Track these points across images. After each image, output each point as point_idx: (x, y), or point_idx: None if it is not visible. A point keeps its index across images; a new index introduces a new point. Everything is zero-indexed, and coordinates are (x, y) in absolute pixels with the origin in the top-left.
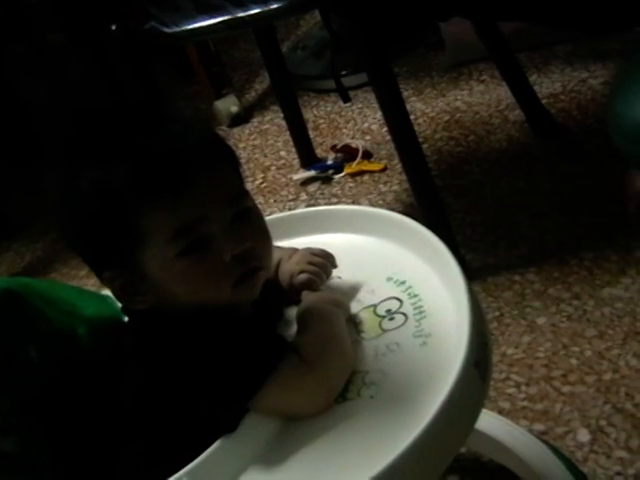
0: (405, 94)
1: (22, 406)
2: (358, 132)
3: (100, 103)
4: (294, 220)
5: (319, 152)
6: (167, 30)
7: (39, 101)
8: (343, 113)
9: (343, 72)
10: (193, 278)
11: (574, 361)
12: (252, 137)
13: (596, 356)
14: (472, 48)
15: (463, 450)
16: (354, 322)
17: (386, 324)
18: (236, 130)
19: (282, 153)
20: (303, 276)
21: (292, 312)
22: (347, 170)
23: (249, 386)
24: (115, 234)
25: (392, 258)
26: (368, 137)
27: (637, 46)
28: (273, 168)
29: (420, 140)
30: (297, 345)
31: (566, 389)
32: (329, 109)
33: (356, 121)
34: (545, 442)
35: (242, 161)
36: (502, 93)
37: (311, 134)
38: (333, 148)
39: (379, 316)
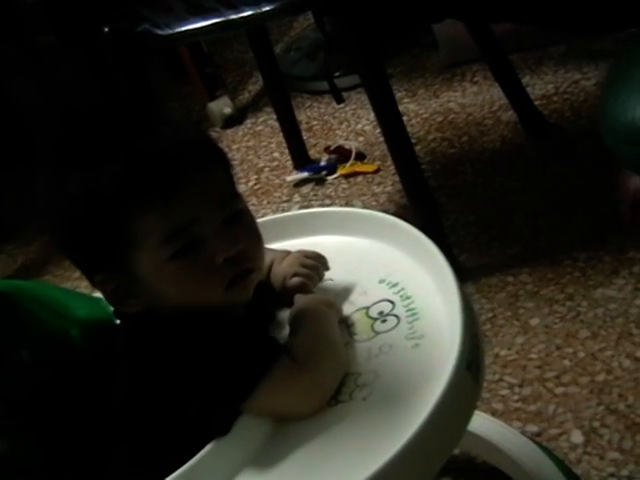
0: (398, 95)
1: (13, 408)
2: (351, 133)
3: (91, 105)
4: (287, 222)
5: (312, 153)
6: (159, 32)
7: (30, 102)
8: (336, 114)
9: (336, 73)
10: (185, 280)
11: (567, 362)
12: (245, 138)
13: (589, 357)
14: (465, 49)
15: (456, 452)
16: (346, 324)
17: (378, 326)
18: (229, 131)
19: (275, 154)
20: (296, 279)
21: (285, 314)
22: (340, 171)
23: (242, 388)
24: (106, 237)
25: (385, 260)
26: (361, 138)
27: (629, 46)
28: (266, 169)
29: (413, 141)
30: (289, 347)
31: (559, 390)
32: (322, 110)
33: (349, 122)
34: (538, 444)
35: (235, 162)
36: (495, 94)
37: (304, 135)
38: (326, 149)
39: (371, 318)
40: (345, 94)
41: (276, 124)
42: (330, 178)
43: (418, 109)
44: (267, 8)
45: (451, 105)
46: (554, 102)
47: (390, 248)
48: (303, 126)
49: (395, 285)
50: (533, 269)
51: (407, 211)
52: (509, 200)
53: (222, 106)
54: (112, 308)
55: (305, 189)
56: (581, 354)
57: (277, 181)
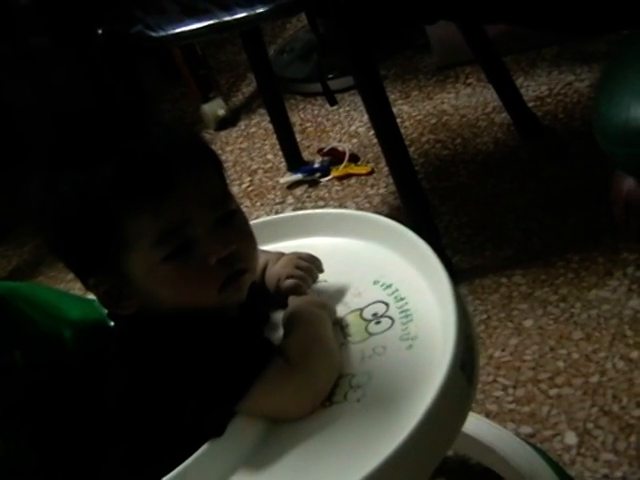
0: (392, 97)
1: (6, 409)
2: (345, 135)
3: (84, 107)
4: (281, 223)
5: (306, 155)
6: (153, 34)
7: (24, 104)
8: (330, 116)
9: (330, 75)
10: (178, 282)
11: (561, 364)
12: (239, 140)
13: (583, 358)
14: (459, 51)
15: (450, 453)
16: (340, 326)
17: (372, 327)
18: (223, 133)
19: (269, 156)
20: (290, 281)
21: (279, 315)
22: (334, 173)
23: (236, 389)
24: (99, 239)
25: (379, 261)
26: (355, 140)
27: (622, 48)
28: (260, 171)
29: (407, 143)
30: (283, 348)
31: (553, 392)
32: (316, 112)
33: (343, 124)
34: (532, 445)
35: (229, 164)
36: (488, 96)
37: (298, 137)
38: (320, 151)
39: (365, 320)
40: (338, 96)
41: (269, 126)
42: (323, 180)
43: (411, 111)
44: (260, 10)
45: (444, 107)
46: (547, 104)
47: (384, 250)
48: (296, 128)
49: (389, 286)
50: (527, 270)
51: (400, 213)
52: (503, 202)
53: (215, 108)
54: (106, 310)
55: (298, 191)
56: (575, 355)
57: (270, 183)
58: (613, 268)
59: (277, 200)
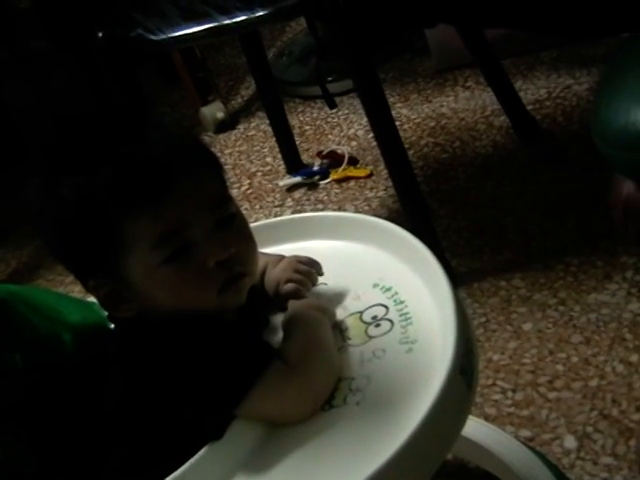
0: (391, 100)
1: (5, 412)
2: (344, 138)
3: (83, 110)
4: (280, 226)
5: (305, 158)
6: (152, 37)
7: (23, 107)
8: (329, 119)
9: (329, 78)
10: (178, 284)
11: (560, 367)
12: (238, 143)
13: (582, 362)
14: (458, 54)
15: (449, 457)
16: (340, 329)
17: (372, 331)
18: (222, 136)
19: (268, 159)
20: (290, 285)
21: (278, 319)
22: (333, 176)
23: (235, 392)
24: (98, 242)
25: (378, 264)
26: (354, 143)
27: (621, 52)
28: (259, 174)
29: (406, 146)
30: (282, 351)
31: (552, 395)
32: (315, 115)
33: (342, 127)
34: (531, 448)
35: (228, 167)
36: (487, 99)
37: (297, 140)
38: (319, 154)
39: (365, 323)
40: (337, 99)
41: (269, 129)
42: (322, 183)
43: (410, 114)
44: (260, 13)
45: (443, 110)
46: (546, 107)
47: (383, 253)
48: (295, 131)
49: (388, 289)
50: (525, 274)
51: (399, 216)
52: (501, 205)
53: (215, 111)
54: (106, 312)
55: (297, 194)
56: (574, 359)
57: (270, 186)
58: (612, 272)
59: (276, 203)
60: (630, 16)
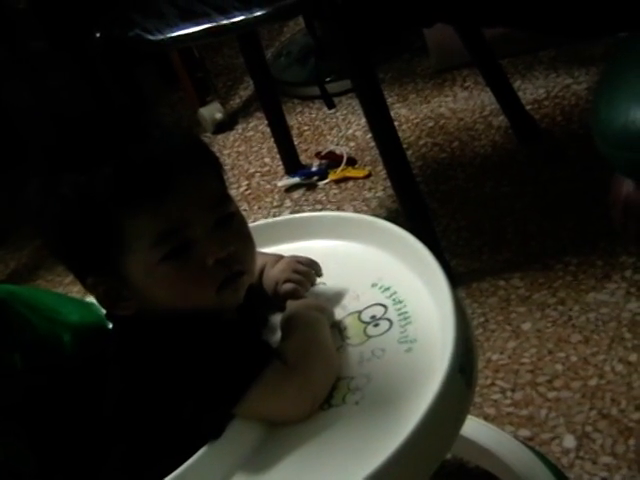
0: (389, 100)
1: (5, 413)
2: (342, 138)
3: (82, 110)
4: (278, 226)
5: (303, 159)
6: (151, 37)
7: (22, 107)
8: (327, 120)
9: (327, 78)
10: (176, 282)
11: (559, 367)
12: (236, 144)
13: (581, 361)
14: (456, 54)
15: (449, 456)
16: (339, 328)
17: (371, 330)
18: (220, 137)
19: (266, 160)
20: (289, 285)
21: (277, 318)
22: (331, 176)
23: (234, 392)
24: (98, 239)
25: (377, 264)
26: (352, 143)
27: (620, 51)
28: (257, 175)
29: (404, 146)
30: (281, 351)
31: (552, 395)
32: (313, 115)
33: (340, 127)
34: (531, 448)
35: (226, 168)
36: (486, 99)
37: (295, 141)
38: (317, 155)
39: (364, 322)
40: (336, 99)
41: (267, 129)
42: (321, 183)
43: (409, 114)
44: (258, 13)
45: (442, 110)
46: (545, 107)
47: (382, 252)
48: (294, 131)
49: (387, 289)
50: (524, 273)
51: (398, 216)
52: (500, 205)
53: (213, 111)
54: (104, 311)
55: (296, 194)
56: (573, 358)
57: (268, 186)
58: (611, 271)
59: (275, 203)
60: (628, 15)
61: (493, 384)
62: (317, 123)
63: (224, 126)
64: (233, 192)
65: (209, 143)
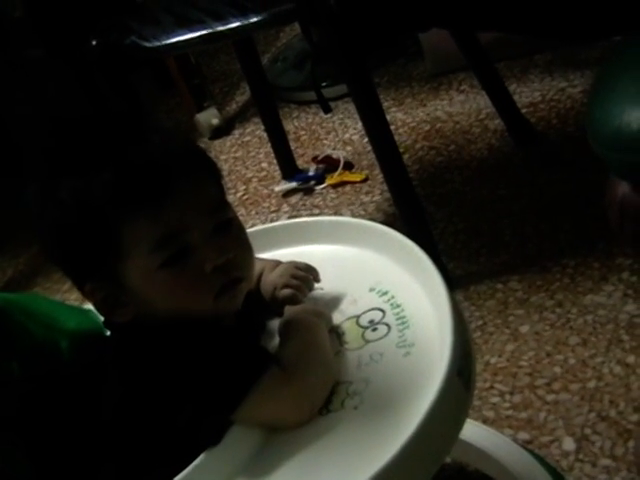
0: (385, 104)
1: (2, 420)
2: (339, 143)
3: (80, 115)
4: (276, 231)
5: (300, 163)
6: (147, 44)
7: (19, 115)
8: (324, 124)
9: (323, 83)
10: (175, 289)
11: (558, 369)
12: (233, 149)
13: (580, 364)
14: (452, 58)
15: (448, 460)
16: (337, 333)
17: (369, 335)
18: (217, 142)
19: (263, 165)
20: (287, 291)
21: (275, 324)
22: (329, 181)
23: (232, 398)
24: (96, 245)
25: (374, 268)
26: (349, 148)
27: (614, 54)
28: (255, 180)
29: (401, 150)
30: (279, 356)
31: (550, 397)
32: (310, 120)
33: (337, 132)
34: (530, 451)
35: (223, 173)
36: (482, 102)
37: (292, 145)
38: (314, 159)
39: (362, 327)
40: (332, 104)
41: (264, 134)
42: (318, 188)
43: (405, 118)
44: (254, 19)
45: (438, 114)
46: (541, 110)
47: (380, 257)
48: (291, 136)
49: (385, 293)
50: (522, 276)
51: (396, 220)
52: (497, 208)
53: (210, 117)
54: (102, 318)
55: (293, 199)
56: (571, 361)
57: (265, 191)
58: (608, 273)
59: (272, 208)
60: (623, 19)
61: (492, 387)
62: (314, 128)
63: (221, 132)
64: (230, 197)
65: (206, 149)
